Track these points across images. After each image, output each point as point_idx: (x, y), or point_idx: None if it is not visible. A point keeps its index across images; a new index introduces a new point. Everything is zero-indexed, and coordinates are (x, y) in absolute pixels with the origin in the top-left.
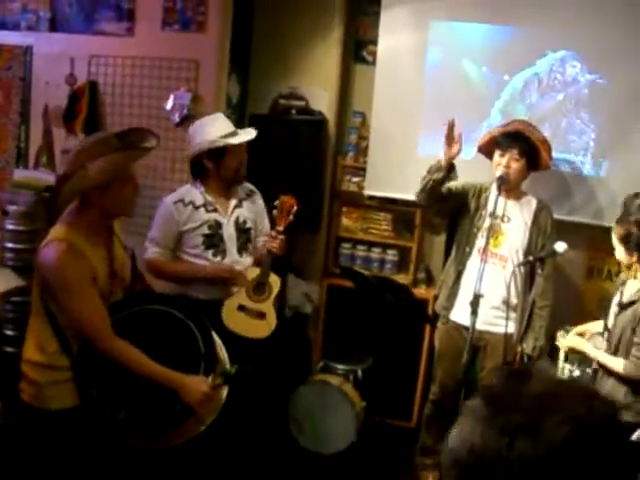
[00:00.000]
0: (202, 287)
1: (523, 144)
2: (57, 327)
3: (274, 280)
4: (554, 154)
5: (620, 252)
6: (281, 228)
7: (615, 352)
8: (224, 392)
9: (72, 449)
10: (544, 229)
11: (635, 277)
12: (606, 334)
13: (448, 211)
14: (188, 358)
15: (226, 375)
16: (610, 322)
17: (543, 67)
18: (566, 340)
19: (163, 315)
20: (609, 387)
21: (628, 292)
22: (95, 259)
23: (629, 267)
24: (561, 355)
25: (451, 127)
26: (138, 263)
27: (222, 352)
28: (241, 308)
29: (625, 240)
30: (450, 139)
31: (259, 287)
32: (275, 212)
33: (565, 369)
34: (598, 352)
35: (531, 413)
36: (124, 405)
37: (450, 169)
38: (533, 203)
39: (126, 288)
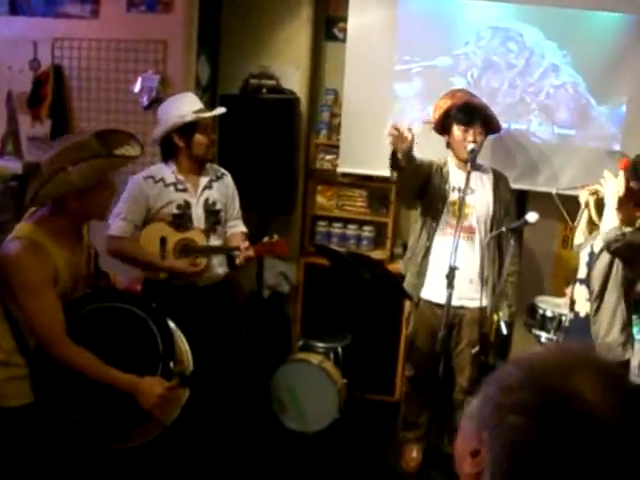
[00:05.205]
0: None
1: (482, 118)
2: (15, 324)
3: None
4: (520, 126)
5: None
6: (252, 254)
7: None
8: (185, 394)
9: (29, 447)
10: (505, 195)
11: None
12: (583, 285)
13: (416, 185)
14: (146, 358)
15: (182, 376)
16: (584, 271)
17: (510, 39)
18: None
19: (124, 313)
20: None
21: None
22: (60, 260)
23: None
24: None
25: (397, 131)
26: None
27: (184, 354)
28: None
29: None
30: (397, 140)
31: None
32: (266, 238)
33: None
34: None
35: None
36: (80, 406)
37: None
38: (490, 172)
39: (89, 287)
